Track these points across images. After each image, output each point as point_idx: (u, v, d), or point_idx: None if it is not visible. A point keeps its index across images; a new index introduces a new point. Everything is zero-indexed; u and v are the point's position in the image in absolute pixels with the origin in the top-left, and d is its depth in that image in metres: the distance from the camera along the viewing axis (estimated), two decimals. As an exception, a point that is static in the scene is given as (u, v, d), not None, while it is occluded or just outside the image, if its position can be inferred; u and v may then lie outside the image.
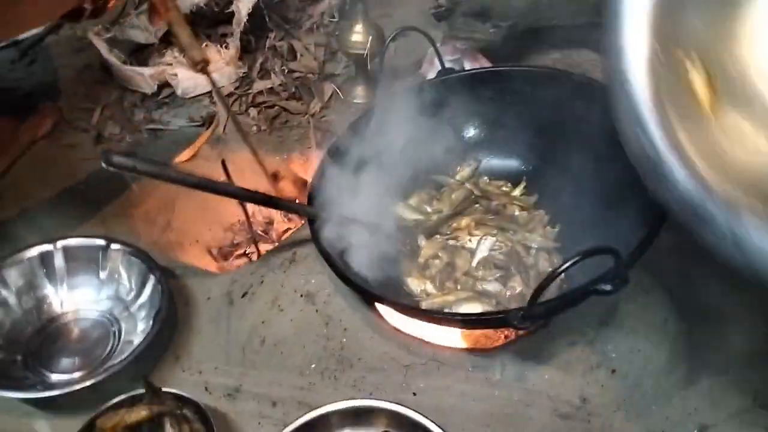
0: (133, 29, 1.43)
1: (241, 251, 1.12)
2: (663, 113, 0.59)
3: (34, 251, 0.95)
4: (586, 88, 0.91)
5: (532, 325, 0.67)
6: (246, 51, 1.43)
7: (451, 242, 0.92)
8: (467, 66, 1.25)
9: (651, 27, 0.62)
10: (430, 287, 0.88)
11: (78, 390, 0.81)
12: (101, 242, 0.96)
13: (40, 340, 0.92)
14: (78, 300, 0.96)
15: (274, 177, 1.27)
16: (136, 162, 0.75)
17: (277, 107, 1.34)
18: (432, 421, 0.74)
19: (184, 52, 1.28)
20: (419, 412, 0.75)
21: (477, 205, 0.98)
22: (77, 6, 1.01)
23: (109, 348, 0.91)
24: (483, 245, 0.89)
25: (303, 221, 1.17)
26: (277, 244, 1.11)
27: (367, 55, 1.22)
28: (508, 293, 0.84)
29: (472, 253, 0.90)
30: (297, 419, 0.77)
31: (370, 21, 1.21)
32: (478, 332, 0.82)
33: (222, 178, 0.97)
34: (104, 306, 0.95)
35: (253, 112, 1.33)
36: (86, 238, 0.97)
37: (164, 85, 1.37)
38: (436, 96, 0.99)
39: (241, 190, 0.86)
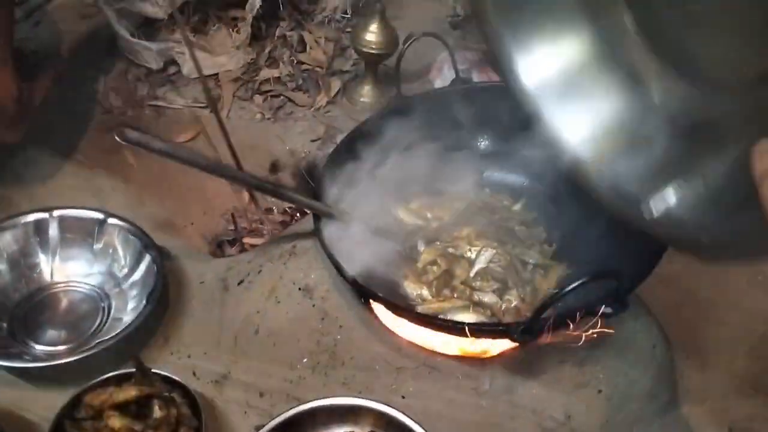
0: (144, 2, 1.41)
1: (236, 245, 1.12)
2: None
3: (29, 218, 0.93)
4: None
5: (530, 339, 0.69)
6: (256, 38, 1.42)
7: (450, 250, 0.93)
8: (475, 78, 1.27)
9: None
10: (426, 293, 0.88)
11: (65, 363, 0.80)
12: (99, 215, 0.94)
13: (26, 309, 0.91)
14: (69, 272, 0.94)
15: (273, 167, 1.27)
16: (149, 139, 0.75)
17: (282, 97, 1.34)
18: (418, 425, 0.75)
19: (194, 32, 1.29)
20: (407, 415, 0.76)
21: (478, 216, 0.99)
22: None
23: (97, 323, 0.90)
24: (482, 256, 0.90)
25: (298, 214, 1.18)
26: (268, 237, 1.11)
27: (379, 54, 1.22)
28: (503, 306, 0.85)
29: (471, 263, 0.91)
30: (284, 412, 0.77)
31: (387, 21, 1.21)
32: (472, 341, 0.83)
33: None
34: (95, 280, 0.94)
35: (258, 99, 1.33)
36: (84, 209, 0.95)
37: (170, 62, 1.35)
38: (447, 103, 0.99)
39: (250, 177, 0.86)
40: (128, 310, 0.91)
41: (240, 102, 1.33)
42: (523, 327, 0.68)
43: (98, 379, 0.78)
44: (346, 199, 0.91)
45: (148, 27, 1.42)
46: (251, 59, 1.38)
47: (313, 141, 1.26)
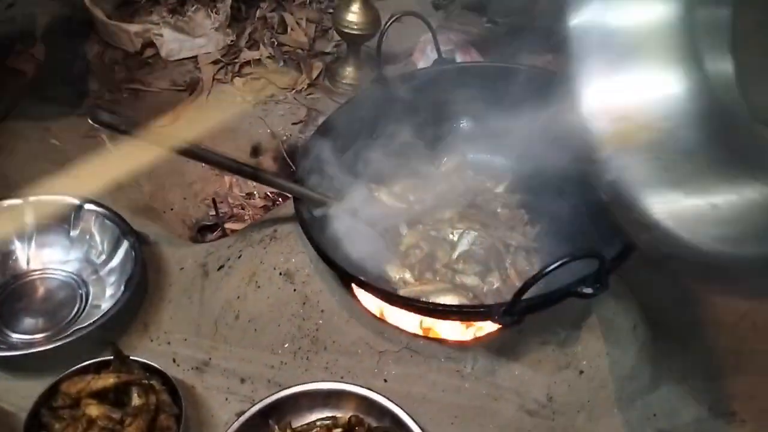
0: (120, -17, 1.38)
1: (217, 230, 1.10)
2: None
3: (4, 204, 0.91)
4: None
5: (512, 320, 0.68)
6: (236, 19, 1.39)
7: (432, 233, 0.92)
8: (458, 58, 1.25)
9: None
10: (408, 276, 0.88)
11: (42, 351, 0.78)
12: (75, 201, 0.93)
13: (2, 297, 0.89)
14: (46, 259, 0.93)
15: (255, 151, 1.25)
16: (122, 121, 0.73)
17: (263, 80, 1.32)
18: (401, 408, 0.75)
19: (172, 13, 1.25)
20: (389, 398, 0.76)
21: (460, 198, 0.98)
22: None
23: (75, 311, 0.89)
24: (464, 239, 0.90)
25: (280, 199, 1.17)
26: (249, 222, 1.09)
27: (361, 35, 1.21)
28: (485, 288, 0.85)
29: (453, 245, 0.90)
30: (265, 398, 0.77)
31: (369, 1, 1.19)
32: (454, 324, 0.82)
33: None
34: (73, 267, 0.93)
35: (238, 82, 1.31)
36: (59, 195, 0.94)
37: (148, 44, 1.33)
38: (430, 84, 0.98)
39: (229, 161, 0.84)
40: (106, 297, 0.89)
41: (220, 85, 1.30)
42: (505, 308, 0.68)
43: (76, 367, 0.77)
44: (327, 182, 0.90)
45: (126, 8, 1.39)
46: (231, 41, 1.36)
47: (294, 124, 1.24)
